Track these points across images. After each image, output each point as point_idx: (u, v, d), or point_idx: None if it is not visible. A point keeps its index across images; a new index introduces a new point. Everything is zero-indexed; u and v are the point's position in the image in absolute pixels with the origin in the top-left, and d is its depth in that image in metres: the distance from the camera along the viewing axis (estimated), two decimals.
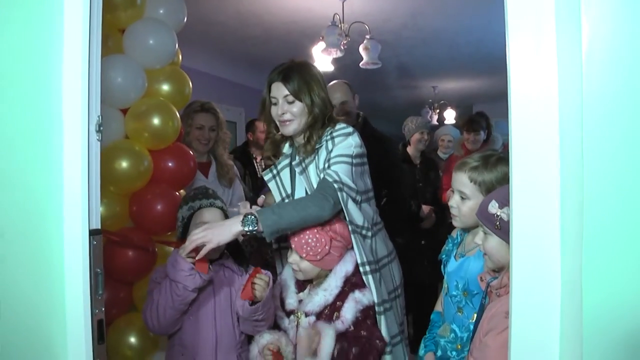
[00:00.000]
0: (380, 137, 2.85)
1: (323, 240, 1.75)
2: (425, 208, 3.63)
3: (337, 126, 1.90)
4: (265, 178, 2.05)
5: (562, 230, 0.99)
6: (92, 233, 1.34)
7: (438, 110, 7.72)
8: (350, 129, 1.89)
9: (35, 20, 1.31)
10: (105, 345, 1.40)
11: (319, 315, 1.75)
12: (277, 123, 1.91)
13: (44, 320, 1.30)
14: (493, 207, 1.39)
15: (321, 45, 3.83)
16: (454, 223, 1.71)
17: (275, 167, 2.04)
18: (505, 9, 1.03)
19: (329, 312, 1.74)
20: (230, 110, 5.48)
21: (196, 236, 1.64)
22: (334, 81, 2.89)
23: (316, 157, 1.90)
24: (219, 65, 5.61)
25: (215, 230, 1.66)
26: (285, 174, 2.02)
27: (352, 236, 1.79)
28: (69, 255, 1.30)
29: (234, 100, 5.79)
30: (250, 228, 1.65)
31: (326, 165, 1.83)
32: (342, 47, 3.77)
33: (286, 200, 1.97)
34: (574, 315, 0.96)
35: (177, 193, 2.30)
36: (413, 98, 8.02)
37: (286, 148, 2.05)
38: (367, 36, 3.96)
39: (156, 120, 2.19)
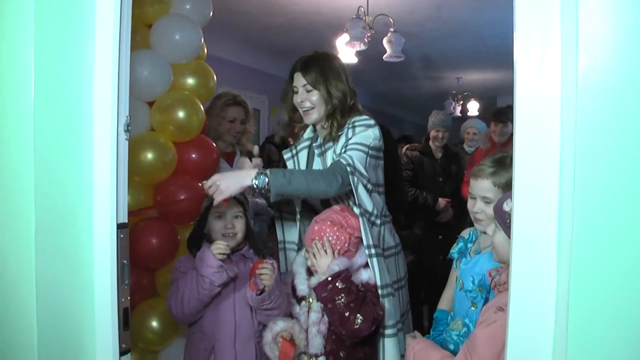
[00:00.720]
0: None
1: (343, 238, 1.77)
2: (442, 201, 3.61)
3: (361, 116, 1.95)
4: (285, 157, 2.14)
5: (559, 231, 1.03)
6: (120, 227, 1.40)
7: (462, 102, 7.65)
8: (372, 121, 1.93)
9: (68, 21, 1.35)
10: (130, 331, 1.47)
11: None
12: (300, 112, 2.00)
13: (74, 308, 1.37)
14: (507, 206, 1.42)
15: (345, 37, 3.81)
16: (479, 227, 1.73)
17: (295, 147, 2.12)
18: (515, 23, 1.06)
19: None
20: (254, 98, 5.51)
21: (208, 185, 1.71)
22: None
23: (336, 143, 1.96)
24: (243, 54, 5.64)
25: (226, 181, 1.71)
26: (303, 155, 2.10)
27: (360, 219, 1.80)
28: (98, 247, 1.37)
29: (257, 88, 5.82)
30: (260, 185, 1.70)
31: (343, 150, 1.86)
32: (366, 40, 3.75)
33: None
34: (564, 313, 1.00)
35: (199, 184, 2.36)
36: (437, 89, 7.94)
37: (307, 132, 2.13)
38: (391, 29, 3.93)
39: (181, 114, 2.23)
